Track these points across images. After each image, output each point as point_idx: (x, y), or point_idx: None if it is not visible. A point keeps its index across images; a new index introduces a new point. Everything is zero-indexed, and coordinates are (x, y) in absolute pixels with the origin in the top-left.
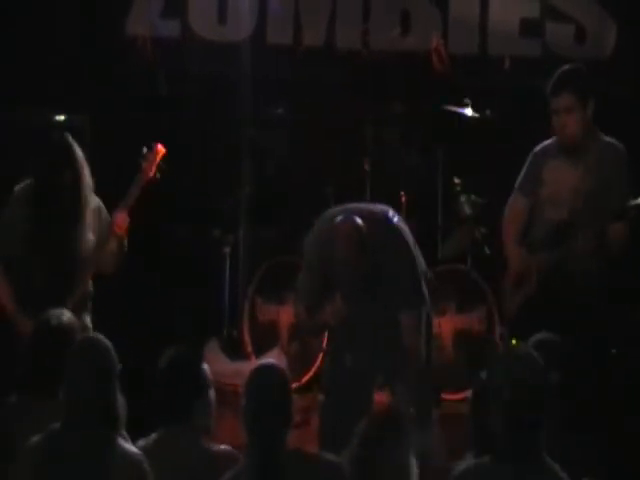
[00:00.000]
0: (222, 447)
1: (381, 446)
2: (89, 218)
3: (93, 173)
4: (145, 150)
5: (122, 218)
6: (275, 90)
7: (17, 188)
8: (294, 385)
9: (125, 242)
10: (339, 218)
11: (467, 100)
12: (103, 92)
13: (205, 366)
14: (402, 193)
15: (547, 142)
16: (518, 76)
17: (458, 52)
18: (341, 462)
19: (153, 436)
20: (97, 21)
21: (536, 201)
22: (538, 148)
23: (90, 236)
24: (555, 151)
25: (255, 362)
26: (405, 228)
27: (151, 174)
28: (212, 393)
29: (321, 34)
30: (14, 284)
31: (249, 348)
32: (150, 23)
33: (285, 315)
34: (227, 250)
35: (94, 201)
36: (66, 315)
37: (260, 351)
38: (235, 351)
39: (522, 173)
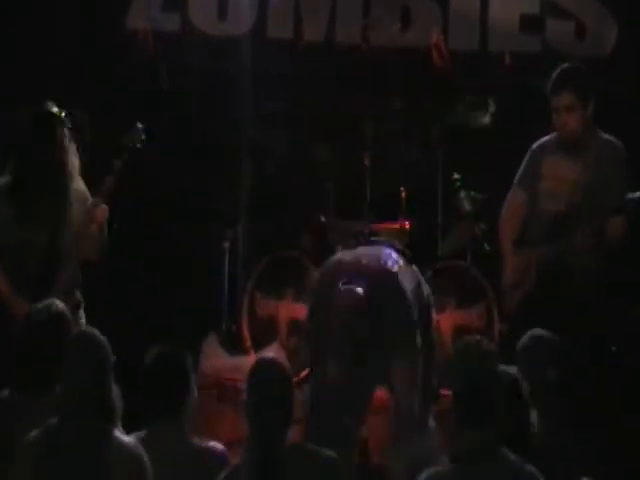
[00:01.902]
0: (211, 443)
1: None
2: (73, 200)
3: (91, 170)
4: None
5: (101, 211)
6: (275, 85)
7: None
8: (294, 380)
9: (105, 230)
10: (342, 286)
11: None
12: (103, 89)
13: (191, 363)
14: (402, 189)
15: (546, 138)
16: (518, 72)
17: (458, 48)
18: (340, 458)
19: (141, 433)
20: (97, 15)
21: (534, 195)
22: (537, 144)
23: (73, 222)
24: (554, 147)
25: (254, 357)
26: (406, 275)
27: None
28: (195, 390)
29: (321, 29)
30: (6, 270)
31: (248, 343)
32: (151, 17)
33: (284, 310)
34: (226, 245)
35: (79, 186)
36: (57, 307)
37: (259, 346)
38: (234, 346)
39: (521, 168)
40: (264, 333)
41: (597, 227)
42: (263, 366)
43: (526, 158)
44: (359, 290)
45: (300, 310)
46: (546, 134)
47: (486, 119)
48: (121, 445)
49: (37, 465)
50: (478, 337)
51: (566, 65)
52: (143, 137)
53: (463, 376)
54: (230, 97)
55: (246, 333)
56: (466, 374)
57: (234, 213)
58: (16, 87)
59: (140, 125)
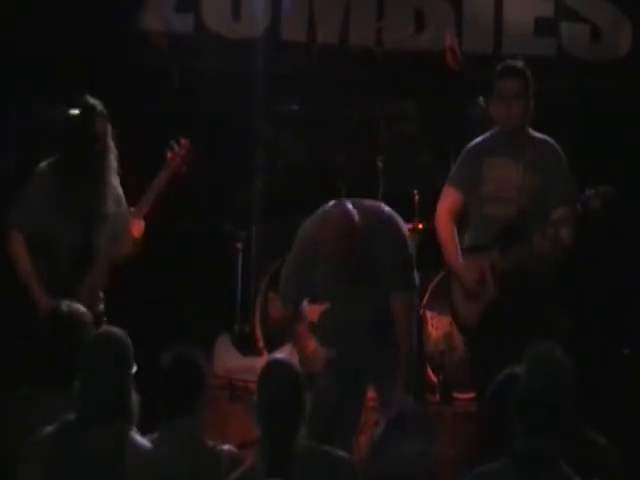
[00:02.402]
0: (225, 447)
1: None
2: (109, 197)
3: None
4: (173, 143)
5: (137, 227)
6: (289, 86)
7: (40, 165)
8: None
9: (139, 242)
10: (330, 205)
11: (481, 99)
12: (117, 89)
13: (207, 365)
14: (415, 192)
15: (479, 139)
16: (532, 76)
17: (472, 51)
18: (352, 459)
19: (155, 434)
20: (112, 15)
21: (476, 199)
22: (472, 144)
23: (108, 217)
24: (492, 148)
25: (267, 358)
26: (400, 220)
27: (178, 168)
28: (208, 390)
29: (335, 31)
30: (37, 258)
31: (261, 344)
32: (164, 18)
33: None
34: (239, 245)
35: (115, 185)
36: (77, 306)
37: (272, 347)
38: (247, 347)
39: (455, 169)
40: (277, 334)
41: (549, 229)
42: (274, 367)
43: (460, 159)
44: (349, 207)
45: (313, 311)
46: (559, 133)
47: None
48: (137, 446)
49: (49, 461)
50: (550, 345)
51: (514, 60)
52: (188, 156)
53: (535, 384)
54: (244, 98)
55: (259, 334)
56: (539, 382)
57: (248, 214)
58: (32, 81)
59: (184, 141)
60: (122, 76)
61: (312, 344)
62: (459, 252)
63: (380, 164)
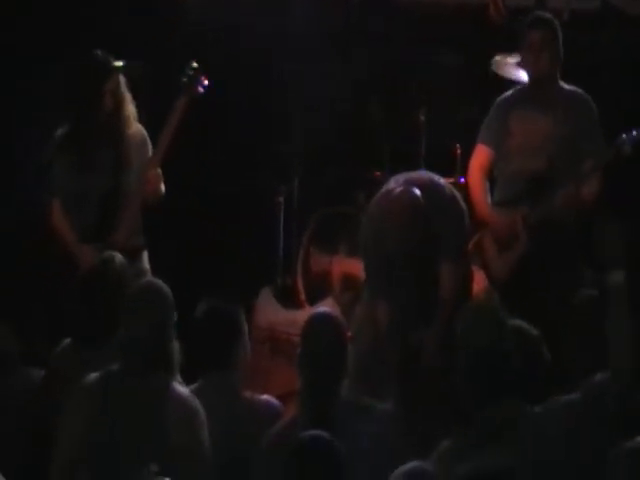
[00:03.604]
0: (263, 397)
1: None
2: (132, 145)
3: (148, 123)
4: (186, 69)
5: (153, 174)
6: (328, 42)
7: (57, 134)
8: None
9: (161, 190)
10: (397, 189)
11: None
12: (160, 42)
13: (242, 315)
14: (457, 145)
15: (509, 92)
16: (576, 29)
17: (515, 3)
18: (393, 411)
19: (192, 386)
20: None
21: (505, 153)
22: (501, 97)
23: (134, 161)
24: (521, 100)
25: (309, 311)
26: (458, 194)
27: (195, 91)
28: (247, 342)
29: None
30: (69, 218)
31: (302, 297)
32: None
33: (338, 265)
34: (281, 199)
35: (137, 129)
36: (117, 258)
37: (313, 300)
38: (289, 300)
39: (485, 125)
40: (318, 288)
41: (570, 190)
42: (317, 320)
43: (491, 112)
44: (415, 191)
45: (354, 265)
46: (602, 89)
47: None
48: (178, 396)
49: (92, 408)
50: (480, 304)
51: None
52: (202, 78)
53: (476, 347)
54: (285, 54)
55: (300, 287)
56: (479, 344)
57: (289, 168)
58: (72, 39)
59: (195, 64)
60: (164, 31)
61: None
62: (490, 207)
63: (422, 118)
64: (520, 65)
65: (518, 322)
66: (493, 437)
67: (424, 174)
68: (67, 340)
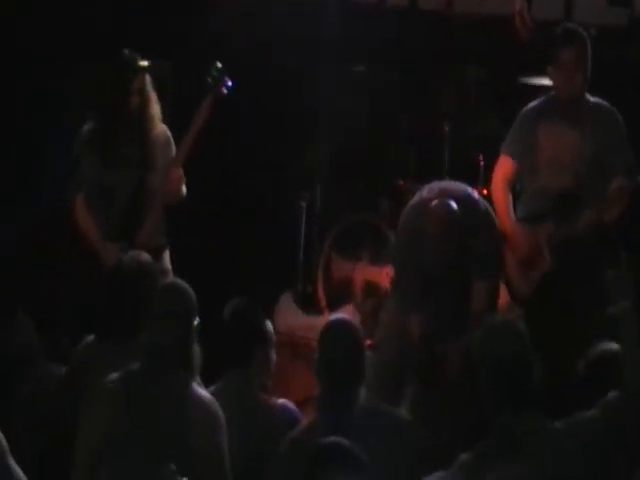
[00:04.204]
0: (280, 401)
1: None
2: (157, 144)
3: (174, 122)
4: (211, 70)
5: (176, 174)
6: (357, 49)
7: (84, 130)
8: (367, 343)
9: (183, 191)
10: (434, 201)
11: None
12: (186, 40)
13: (268, 322)
14: (480, 157)
15: (536, 103)
16: (604, 44)
17: (542, 17)
18: (412, 420)
19: (212, 387)
20: None
21: (532, 167)
22: (528, 108)
23: (158, 164)
24: (548, 113)
25: (329, 317)
26: (491, 209)
27: (219, 92)
28: (273, 352)
29: None
30: (95, 215)
31: (323, 303)
32: None
33: (360, 272)
34: (304, 205)
35: (162, 130)
36: (144, 256)
37: (334, 307)
38: (309, 306)
39: (510, 135)
40: (339, 294)
41: (592, 214)
42: (335, 326)
43: (516, 124)
44: (452, 204)
45: (376, 273)
46: (630, 106)
47: None
48: (199, 398)
49: (113, 407)
50: (504, 316)
51: (569, 25)
52: (227, 79)
53: (497, 357)
54: (311, 60)
55: (321, 294)
56: (501, 354)
57: (313, 173)
58: (101, 38)
59: (220, 65)
60: (190, 30)
61: None
62: (514, 222)
63: (447, 129)
64: (552, 81)
65: None
66: (513, 449)
67: (459, 185)
68: (90, 336)
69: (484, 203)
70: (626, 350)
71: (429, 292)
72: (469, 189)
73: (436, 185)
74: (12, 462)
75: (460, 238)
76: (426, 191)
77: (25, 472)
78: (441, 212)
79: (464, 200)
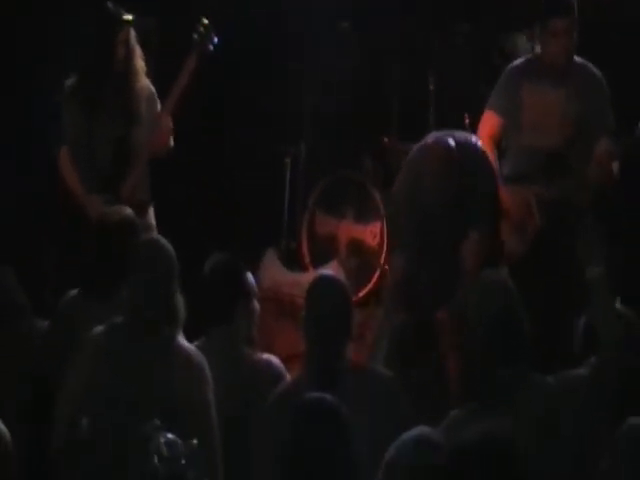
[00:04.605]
0: (265, 356)
1: None
2: (141, 98)
3: (158, 77)
4: (197, 25)
5: (165, 124)
6: (340, 5)
7: (67, 84)
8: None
9: (170, 141)
10: (431, 137)
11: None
12: None
13: (249, 275)
14: (466, 115)
15: (521, 61)
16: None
17: None
18: (396, 377)
19: (196, 342)
20: None
21: (516, 126)
22: (513, 66)
23: (142, 118)
24: (533, 73)
25: (313, 274)
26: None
27: (205, 47)
28: (256, 303)
29: None
30: (79, 168)
31: (307, 260)
32: None
33: (344, 229)
34: (287, 161)
35: (146, 84)
36: (126, 211)
37: (318, 264)
38: (293, 262)
39: (495, 93)
40: (323, 251)
41: (592, 169)
42: (323, 283)
43: (502, 80)
44: (451, 141)
45: (360, 231)
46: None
47: None
48: (183, 349)
49: (97, 359)
50: (495, 272)
51: None
52: (213, 35)
53: (493, 313)
54: (302, 15)
55: (305, 250)
56: (496, 310)
57: (297, 130)
58: None
59: (206, 21)
60: None
61: None
62: (501, 182)
63: (432, 87)
64: (541, 50)
65: None
66: (504, 403)
67: (463, 132)
68: (74, 291)
69: (485, 150)
70: (599, 314)
71: (423, 232)
72: (473, 136)
73: (441, 132)
74: None
75: (458, 176)
76: (430, 137)
77: (8, 426)
78: (439, 148)
79: (464, 141)
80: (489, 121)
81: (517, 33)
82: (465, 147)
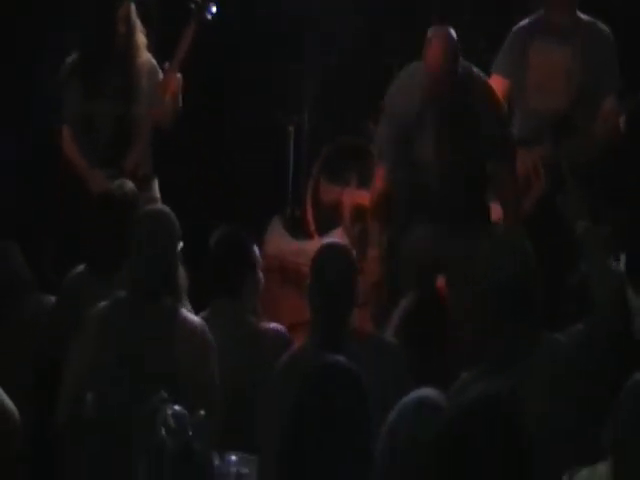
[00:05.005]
0: (272, 325)
1: None
2: (142, 72)
3: (158, 50)
4: None
5: (173, 77)
6: None
7: (67, 62)
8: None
9: (179, 98)
10: (433, 29)
11: None
12: None
13: (255, 246)
14: None
15: (526, 22)
16: None
17: None
18: (400, 346)
19: (202, 313)
20: None
21: (521, 88)
22: (519, 27)
23: (144, 92)
24: (539, 32)
25: (319, 241)
26: None
27: (204, 16)
28: (260, 274)
29: None
30: (81, 143)
31: (312, 228)
32: None
33: (348, 196)
34: (291, 129)
35: (147, 58)
36: (128, 186)
37: (323, 231)
38: (298, 230)
39: (501, 54)
40: (328, 219)
41: (598, 127)
42: (328, 250)
43: (507, 42)
44: (453, 32)
45: (364, 197)
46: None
47: None
48: (186, 321)
49: (101, 334)
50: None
51: None
52: (211, 5)
53: (505, 268)
54: None
55: (310, 218)
56: (507, 265)
57: (299, 97)
58: None
59: None
60: None
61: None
62: None
63: None
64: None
65: None
66: (515, 363)
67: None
68: (80, 267)
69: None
70: (594, 269)
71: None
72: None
73: None
74: (1, 392)
75: (456, 71)
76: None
77: (16, 401)
78: (440, 35)
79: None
80: (495, 85)
81: None
82: (466, 64)
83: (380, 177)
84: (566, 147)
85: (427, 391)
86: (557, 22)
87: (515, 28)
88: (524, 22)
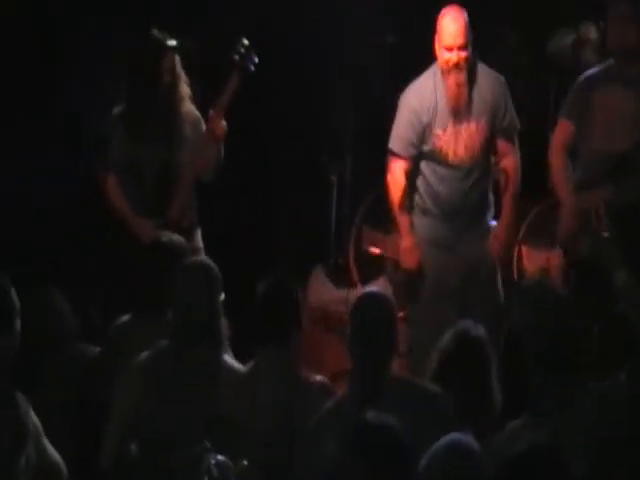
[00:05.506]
0: (317, 377)
1: None
2: (186, 122)
3: (201, 100)
4: (237, 46)
5: (218, 123)
6: (383, 15)
7: (114, 111)
8: (400, 315)
9: (222, 147)
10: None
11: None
12: (212, 19)
13: (300, 295)
14: None
15: (592, 70)
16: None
17: None
18: (444, 393)
19: (249, 363)
20: None
21: (586, 130)
22: (584, 75)
23: (187, 141)
24: (604, 77)
25: (361, 290)
26: None
27: (246, 67)
28: (304, 323)
29: None
30: (125, 191)
31: (355, 276)
32: None
33: (391, 245)
34: (334, 177)
35: (191, 109)
36: (177, 237)
37: (366, 280)
38: (341, 279)
39: (568, 101)
40: (371, 267)
41: None
42: (367, 299)
43: (573, 89)
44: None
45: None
46: None
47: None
48: (229, 369)
49: (144, 383)
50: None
51: None
52: (253, 55)
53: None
54: (336, 28)
55: (353, 267)
56: (556, 326)
57: (342, 146)
58: (128, 16)
59: (246, 41)
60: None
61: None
62: (570, 192)
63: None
64: (608, 38)
65: None
66: (561, 412)
67: None
68: (126, 316)
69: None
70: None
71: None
72: None
73: None
74: (47, 443)
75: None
76: None
77: (60, 451)
78: (452, 10)
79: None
80: (563, 130)
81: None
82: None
83: (402, 172)
84: (626, 189)
85: (457, 436)
86: (621, 68)
87: (582, 76)
88: (591, 71)
